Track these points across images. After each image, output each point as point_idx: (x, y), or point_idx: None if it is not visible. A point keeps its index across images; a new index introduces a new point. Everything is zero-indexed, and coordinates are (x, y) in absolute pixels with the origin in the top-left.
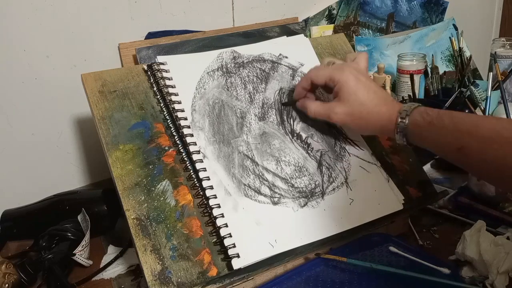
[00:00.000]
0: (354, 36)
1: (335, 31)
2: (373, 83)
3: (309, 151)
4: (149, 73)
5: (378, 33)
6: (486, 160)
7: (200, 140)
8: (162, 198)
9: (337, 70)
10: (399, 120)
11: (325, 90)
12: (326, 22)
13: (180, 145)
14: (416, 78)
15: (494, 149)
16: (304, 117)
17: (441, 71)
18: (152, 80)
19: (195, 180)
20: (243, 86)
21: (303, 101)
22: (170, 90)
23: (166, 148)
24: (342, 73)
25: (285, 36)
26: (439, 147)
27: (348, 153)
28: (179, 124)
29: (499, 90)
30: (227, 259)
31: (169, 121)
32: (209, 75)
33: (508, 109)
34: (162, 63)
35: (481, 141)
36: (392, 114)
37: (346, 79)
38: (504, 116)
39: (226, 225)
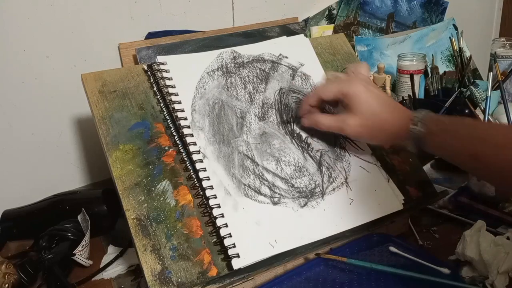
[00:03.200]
0: (354, 36)
1: (335, 31)
2: (382, 92)
3: (309, 151)
4: (149, 73)
5: (378, 33)
6: (500, 167)
7: (200, 140)
8: (162, 198)
9: (346, 83)
10: (412, 127)
11: (331, 104)
12: (326, 22)
13: (180, 145)
14: (416, 78)
15: (508, 156)
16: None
17: (441, 71)
18: (152, 80)
19: (195, 180)
20: (243, 86)
21: (310, 116)
22: (170, 90)
23: (166, 148)
24: (351, 85)
25: (285, 36)
26: (452, 154)
27: (348, 153)
28: (179, 124)
29: (499, 90)
30: (227, 259)
31: (169, 121)
32: (209, 75)
33: (508, 109)
34: (162, 63)
35: (495, 147)
36: (404, 122)
37: (356, 90)
38: (504, 116)
39: (226, 225)
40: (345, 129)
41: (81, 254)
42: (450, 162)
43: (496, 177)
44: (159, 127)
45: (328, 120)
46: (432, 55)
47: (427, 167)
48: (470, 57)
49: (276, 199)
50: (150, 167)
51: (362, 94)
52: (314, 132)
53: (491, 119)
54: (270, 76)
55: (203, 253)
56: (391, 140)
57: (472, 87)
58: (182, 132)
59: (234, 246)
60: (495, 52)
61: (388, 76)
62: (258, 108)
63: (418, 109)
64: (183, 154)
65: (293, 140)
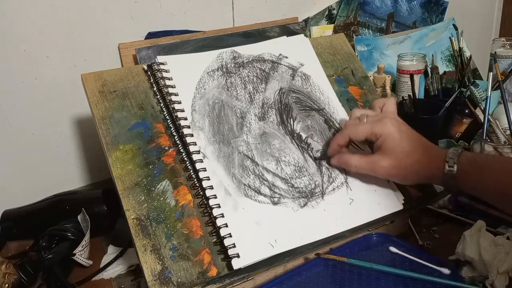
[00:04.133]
0: (354, 36)
1: (335, 31)
2: (413, 131)
3: (309, 151)
4: (149, 73)
5: (378, 33)
6: None
7: (200, 140)
8: (162, 198)
9: (378, 123)
10: (448, 169)
11: (362, 142)
12: (326, 22)
13: (180, 145)
14: (416, 78)
15: None
16: (304, 117)
17: (441, 71)
18: (152, 80)
19: (195, 180)
20: (243, 86)
21: (340, 156)
22: (170, 90)
23: (166, 148)
24: (384, 126)
25: (285, 36)
26: (490, 195)
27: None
28: (179, 124)
29: (499, 90)
30: (227, 259)
31: (169, 121)
32: (209, 75)
33: (508, 109)
34: (162, 63)
35: None
36: (439, 162)
37: (389, 131)
38: (504, 116)
39: (226, 225)
40: (377, 170)
41: (81, 254)
42: (488, 201)
43: None
44: (159, 127)
45: (359, 162)
46: (432, 55)
47: None
48: (470, 57)
49: (276, 199)
50: (150, 167)
51: (395, 135)
52: (314, 132)
53: (491, 119)
54: (270, 76)
55: (203, 253)
56: (426, 180)
57: (472, 87)
58: (182, 132)
59: (234, 246)
60: (495, 52)
61: (388, 76)
62: (258, 108)
63: (452, 148)
64: (183, 154)
65: (293, 140)
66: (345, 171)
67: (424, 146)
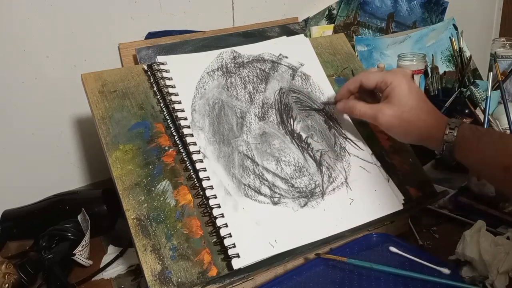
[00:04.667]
0: (354, 36)
1: (335, 31)
2: (422, 92)
3: (309, 151)
4: (149, 73)
5: (378, 33)
6: None
7: (200, 140)
8: (162, 198)
9: (390, 73)
10: (448, 130)
11: (370, 95)
12: (326, 22)
13: (180, 145)
14: (416, 78)
15: None
16: (304, 117)
17: (441, 71)
18: (152, 80)
19: (195, 180)
20: (243, 86)
21: (346, 101)
22: (170, 90)
23: (166, 148)
24: (395, 76)
25: (285, 36)
26: (483, 164)
27: (348, 153)
28: (179, 124)
29: (499, 90)
30: (227, 259)
31: (169, 121)
32: (209, 75)
33: (508, 109)
34: (162, 63)
35: None
36: (440, 124)
37: (399, 81)
38: (504, 116)
39: (226, 225)
40: (379, 117)
41: (81, 254)
42: (476, 173)
43: None
44: (159, 127)
45: (364, 107)
46: (432, 55)
47: (427, 167)
48: (470, 57)
49: (276, 199)
50: (150, 167)
51: (404, 85)
52: (314, 132)
53: (491, 119)
54: (270, 76)
55: (203, 253)
56: (421, 140)
57: (472, 87)
58: (182, 132)
59: (234, 246)
60: (495, 52)
61: None
62: (258, 108)
63: (454, 118)
64: (183, 154)
65: (293, 140)
66: (345, 171)
67: (429, 107)
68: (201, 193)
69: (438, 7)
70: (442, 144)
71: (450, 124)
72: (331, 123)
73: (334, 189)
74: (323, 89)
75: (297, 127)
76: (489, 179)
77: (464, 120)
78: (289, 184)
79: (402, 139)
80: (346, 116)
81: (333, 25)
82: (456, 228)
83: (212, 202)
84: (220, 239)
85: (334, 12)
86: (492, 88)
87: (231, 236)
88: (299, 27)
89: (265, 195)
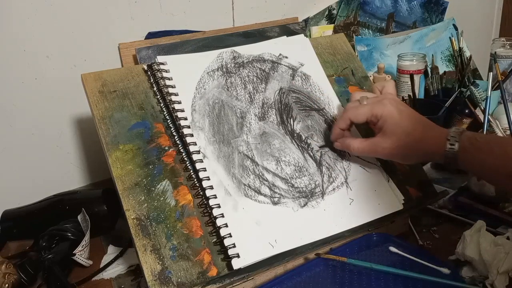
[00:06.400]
0: (354, 36)
1: (335, 31)
2: (413, 110)
3: (309, 151)
4: (149, 73)
5: (378, 33)
6: None
7: (200, 140)
8: (162, 198)
9: (378, 105)
10: (449, 146)
11: (361, 126)
12: (326, 22)
13: (180, 145)
14: (416, 78)
15: None
16: (304, 117)
17: (441, 71)
18: (152, 80)
19: (195, 180)
20: (243, 86)
21: (343, 140)
22: (170, 90)
23: (166, 148)
24: (384, 107)
25: (285, 36)
26: (487, 172)
27: (348, 153)
28: (179, 124)
29: (499, 90)
30: (227, 259)
31: (169, 121)
32: (209, 75)
33: (508, 109)
34: (162, 63)
35: None
36: (440, 141)
37: (389, 112)
38: (504, 116)
39: (226, 225)
40: (378, 152)
41: (81, 254)
42: (485, 180)
43: None
44: (159, 127)
45: (362, 145)
46: (432, 55)
47: (427, 167)
48: (470, 57)
49: (276, 199)
50: (150, 167)
51: (394, 115)
52: (314, 132)
53: (491, 119)
54: (270, 76)
55: (203, 253)
56: (425, 159)
57: (472, 87)
58: (182, 132)
59: (234, 246)
60: (495, 52)
61: (388, 76)
62: (258, 108)
63: (454, 127)
64: (183, 154)
65: (293, 140)
66: (345, 171)
67: (425, 124)
68: (201, 193)
69: (438, 7)
70: (444, 159)
71: (449, 140)
72: (331, 123)
73: (334, 189)
74: (323, 89)
75: (297, 127)
76: (496, 185)
77: (463, 128)
78: (289, 184)
79: (406, 162)
80: None
81: (333, 25)
82: (456, 228)
83: (212, 202)
84: (220, 239)
85: (334, 12)
86: (492, 88)
87: (231, 236)
88: (299, 27)
89: (265, 195)
